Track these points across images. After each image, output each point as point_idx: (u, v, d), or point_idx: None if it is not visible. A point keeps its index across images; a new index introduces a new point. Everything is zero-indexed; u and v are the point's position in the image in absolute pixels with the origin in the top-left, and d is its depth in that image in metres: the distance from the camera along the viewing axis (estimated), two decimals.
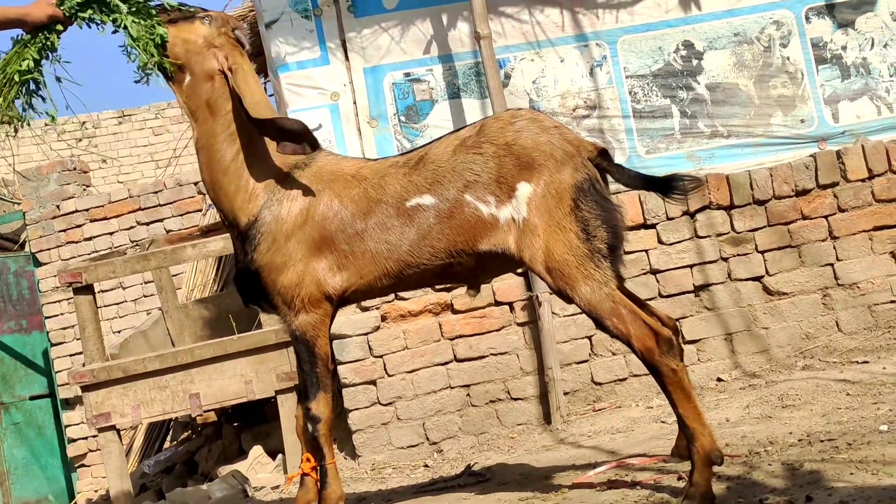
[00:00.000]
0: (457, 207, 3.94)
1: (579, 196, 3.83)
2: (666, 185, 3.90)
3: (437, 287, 5.92)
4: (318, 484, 4.13)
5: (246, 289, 4.20)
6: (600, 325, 3.83)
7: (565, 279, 3.80)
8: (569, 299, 3.86)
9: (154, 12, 4.03)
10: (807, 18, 6.67)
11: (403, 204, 3.99)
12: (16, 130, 4.11)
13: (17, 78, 3.95)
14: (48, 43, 3.98)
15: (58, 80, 4.08)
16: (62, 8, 3.97)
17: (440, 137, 4.19)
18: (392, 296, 5.92)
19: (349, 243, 4.01)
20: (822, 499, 3.37)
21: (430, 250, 3.97)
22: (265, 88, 8.72)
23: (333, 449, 4.19)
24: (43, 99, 4.08)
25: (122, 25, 3.97)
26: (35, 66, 3.98)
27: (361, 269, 4.02)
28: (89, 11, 3.98)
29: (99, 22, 4.02)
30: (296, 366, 4.47)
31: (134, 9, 3.99)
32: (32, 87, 4.04)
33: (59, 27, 4.01)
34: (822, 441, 4.22)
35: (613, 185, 4.15)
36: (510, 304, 6.05)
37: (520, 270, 5.85)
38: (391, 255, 3.99)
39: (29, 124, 4.11)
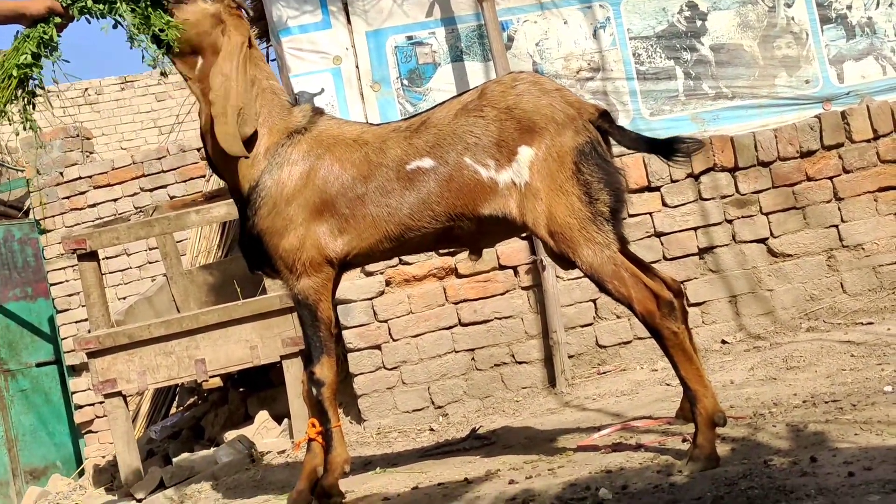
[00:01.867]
0: (456, 170, 3.93)
1: (581, 159, 3.82)
2: (668, 148, 3.90)
3: (441, 251, 5.92)
4: (324, 448, 4.15)
5: (251, 255, 4.21)
6: (602, 287, 3.84)
7: (567, 242, 3.80)
8: (571, 263, 3.86)
9: None
10: None
11: (404, 167, 3.99)
12: (17, 134, 4.08)
13: (14, 73, 3.89)
14: (46, 37, 3.92)
15: (54, 80, 4.04)
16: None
17: (443, 102, 4.19)
18: (396, 260, 5.92)
19: (350, 207, 4.01)
20: (827, 459, 3.38)
21: (430, 213, 3.97)
22: (266, 53, 8.71)
23: (338, 412, 4.21)
24: (34, 100, 4.03)
25: (120, 15, 3.92)
26: (34, 60, 3.92)
27: (362, 232, 4.02)
28: (86, 1, 3.93)
29: (97, 15, 3.97)
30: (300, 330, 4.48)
31: None
32: (31, 85, 3.98)
33: (58, 20, 3.95)
34: (826, 402, 4.23)
35: (617, 148, 4.14)
36: (514, 268, 6.05)
37: (524, 234, 5.85)
38: (391, 219, 3.99)
39: (34, 127, 4.05)
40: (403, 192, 3.99)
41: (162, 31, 3.95)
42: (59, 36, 3.98)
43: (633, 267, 3.83)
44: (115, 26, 4.00)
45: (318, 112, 4.29)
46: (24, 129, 4.03)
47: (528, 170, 3.85)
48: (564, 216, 3.79)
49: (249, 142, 4.11)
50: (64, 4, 3.94)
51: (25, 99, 3.97)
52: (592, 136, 3.87)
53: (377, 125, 4.32)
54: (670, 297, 3.76)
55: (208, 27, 4.10)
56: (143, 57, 4.02)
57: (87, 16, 3.99)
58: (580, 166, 3.81)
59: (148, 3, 3.96)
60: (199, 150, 9.92)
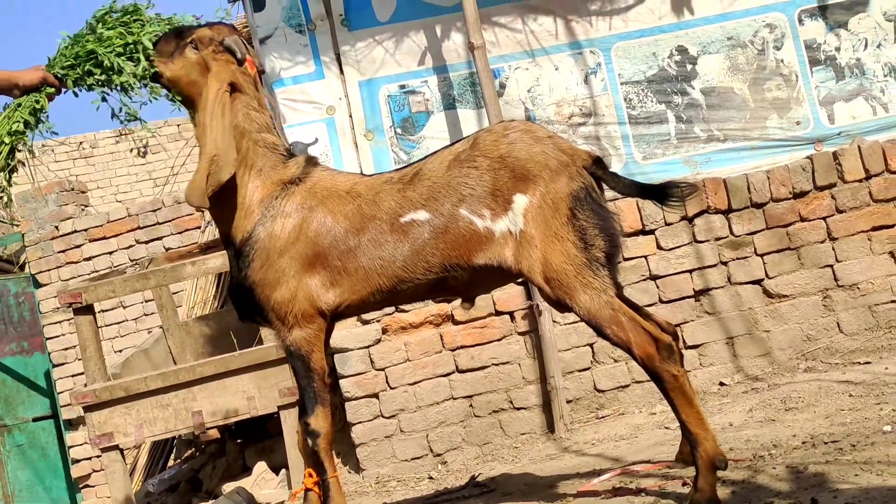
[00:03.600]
0: (452, 222, 3.93)
1: (576, 205, 3.82)
2: (661, 193, 3.91)
3: (438, 298, 5.92)
4: (322, 499, 4.12)
5: (240, 304, 4.20)
6: (600, 332, 3.83)
7: (564, 288, 3.79)
8: (567, 309, 3.85)
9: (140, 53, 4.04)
10: (800, 20, 6.68)
11: (398, 220, 3.99)
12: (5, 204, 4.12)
13: (7, 140, 3.93)
14: (38, 106, 3.96)
15: (31, 152, 4.09)
16: (52, 71, 3.98)
17: (434, 152, 4.19)
18: (392, 308, 5.92)
19: (342, 259, 4.00)
20: (828, 501, 3.37)
21: (424, 265, 3.96)
22: None
23: (335, 462, 4.18)
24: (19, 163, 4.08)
25: (114, 87, 4.00)
26: (26, 127, 3.97)
27: (354, 285, 4.01)
28: (79, 71, 3.99)
29: (89, 87, 4.03)
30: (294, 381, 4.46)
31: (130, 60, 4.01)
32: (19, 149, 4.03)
33: (51, 90, 4.01)
34: (825, 443, 4.22)
35: (611, 192, 4.15)
36: (510, 314, 6.05)
37: (520, 280, 5.85)
38: (384, 272, 3.98)
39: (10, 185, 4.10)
40: (397, 245, 3.98)
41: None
42: (48, 104, 4.04)
43: (631, 311, 3.82)
44: (103, 99, 4.06)
45: (313, 162, 4.27)
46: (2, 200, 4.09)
47: (523, 217, 3.85)
48: (560, 262, 3.79)
49: (231, 188, 4.10)
50: (58, 76, 3.99)
51: (10, 166, 4.02)
52: (587, 181, 3.88)
53: (370, 176, 4.31)
54: (669, 341, 3.76)
55: (196, 76, 4.10)
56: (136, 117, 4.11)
57: (79, 88, 4.04)
58: (575, 212, 3.82)
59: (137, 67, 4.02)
60: None
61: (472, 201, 3.92)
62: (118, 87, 4.02)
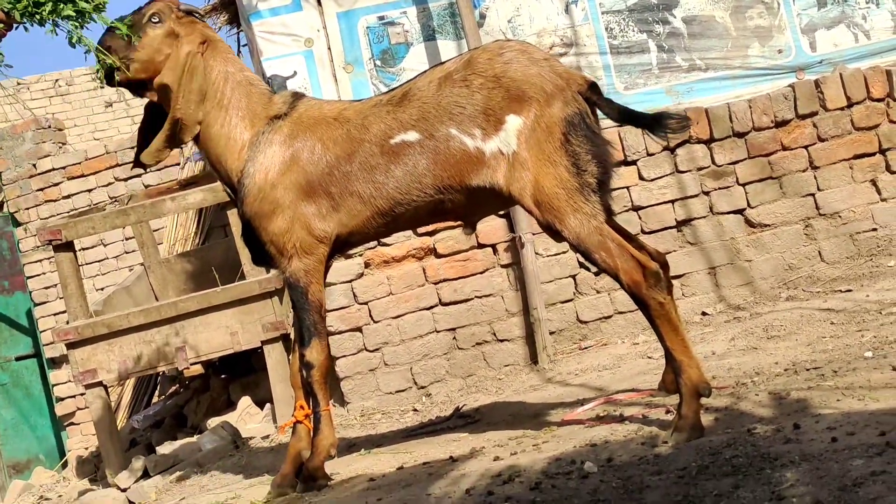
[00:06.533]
0: (442, 142, 3.92)
1: (570, 130, 3.81)
2: (654, 123, 3.88)
3: (420, 231, 5.91)
4: (311, 432, 4.15)
5: (252, 246, 4.26)
6: (588, 258, 3.84)
7: (554, 212, 3.79)
8: (557, 233, 3.85)
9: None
10: None
11: (388, 141, 3.99)
12: None
13: None
14: None
15: None
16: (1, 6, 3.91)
17: (423, 72, 4.17)
18: (374, 242, 5.89)
19: (336, 186, 4.03)
20: (810, 426, 3.39)
21: (417, 187, 3.97)
22: (237, 38, 8.65)
23: (328, 396, 4.21)
24: None
25: (63, 17, 3.95)
26: None
27: (351, 210, 4.04)
28: (26, 2, 3.91)
29: (40, 19, 3.96)
30: (291, 313, 4.50)
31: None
32: None
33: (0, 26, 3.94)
34: (807, 370, 4.25)
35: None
36: (493, 247, 6.04)
37: (501, 212, 5.84)
38: (379, 194, 4.00)
39: None
40: (389, 167, 3.99)
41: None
42: None
43: (620, 238, 3.83)
44: (53, 31, 4.01)
45: (299, 96, 4.31)
46: None
47: (516, 139, 3.84)
48: (552, 186, 3.78)
49: (229, 136, 4.18)
50: (5, 9, 3.92)
51: None
52: (581, 107, 3.86)
53: (358, 101, 4.31)
54: (656, 268, 3.77)
55: (167, 48, 4.20)
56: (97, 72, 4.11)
57: (30, 21, 3.98)
58: (569, 137, 3.80)
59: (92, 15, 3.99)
60: None
61: (462, 120, 3.90)
62: (68, 19, 3.97)
